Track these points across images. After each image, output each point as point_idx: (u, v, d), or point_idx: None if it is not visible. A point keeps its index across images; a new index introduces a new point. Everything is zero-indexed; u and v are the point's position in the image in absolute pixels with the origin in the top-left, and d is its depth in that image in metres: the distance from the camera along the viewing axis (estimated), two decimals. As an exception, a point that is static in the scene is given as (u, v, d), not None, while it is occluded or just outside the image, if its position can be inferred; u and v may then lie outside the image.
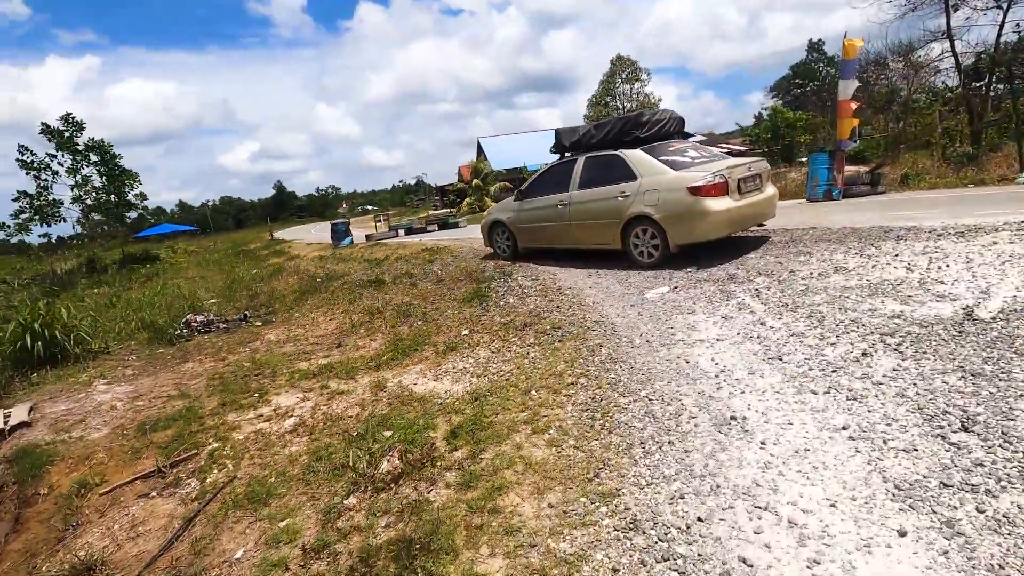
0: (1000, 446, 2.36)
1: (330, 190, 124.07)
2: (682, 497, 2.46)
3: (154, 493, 3.67)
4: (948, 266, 4.47)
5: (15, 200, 24.75)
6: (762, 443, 2.73)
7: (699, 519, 2.33)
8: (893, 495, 2.24)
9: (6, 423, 5.44)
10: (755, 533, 2.20)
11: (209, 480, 3.67)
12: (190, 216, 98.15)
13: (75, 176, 25.77)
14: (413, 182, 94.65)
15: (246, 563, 2.97)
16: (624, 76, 45.12)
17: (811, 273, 5.04)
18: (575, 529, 2.43)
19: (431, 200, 56.34)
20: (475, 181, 30.27)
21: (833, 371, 3.29)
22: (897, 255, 5.02)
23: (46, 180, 25.01)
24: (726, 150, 30.11)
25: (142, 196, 28.80)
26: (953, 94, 21.04)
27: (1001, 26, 17.43)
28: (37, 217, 24.96)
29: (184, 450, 4.21)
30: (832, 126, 18.01)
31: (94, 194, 26.42)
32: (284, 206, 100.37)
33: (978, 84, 20.76)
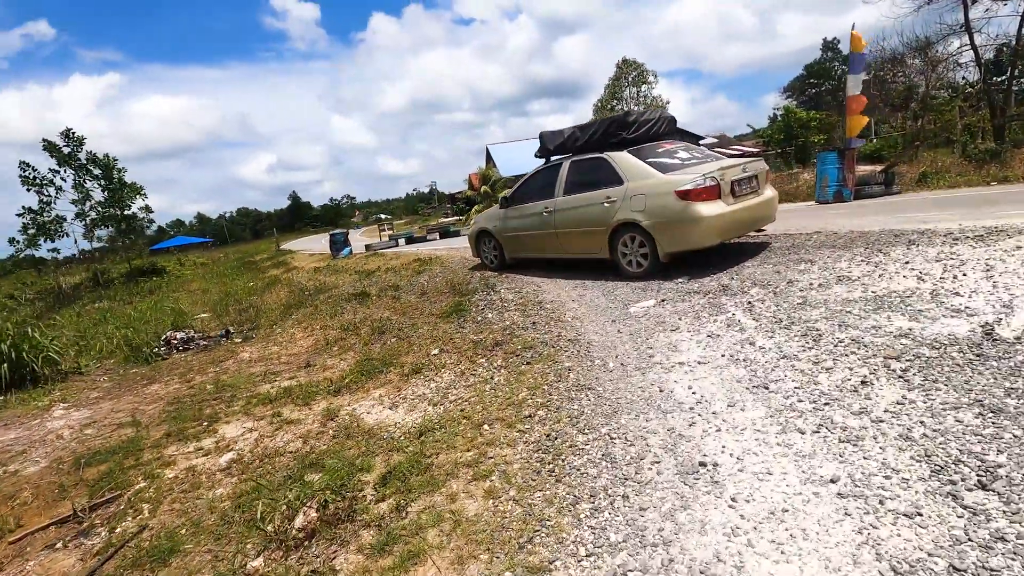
0: (1028, 512, 1.85)
1: (345, 200, 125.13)
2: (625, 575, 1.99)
3: (60, 544, 3.28)
4: (965, 275, 3.93)
5: (19, 216, 25.03)
6: (732, 499, 2.24)
7: (645, 605, 1.85)
8: (889, 579, 1.75)
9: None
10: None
11: (119, 530, 3.27)
12: (208, 228, 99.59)
13: (78, 191, 25.93)
14: (427, 190, 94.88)
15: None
16: (631, 79, 44.32)
17: (811, 284, 4.53)
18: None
19: (442, 208, 56.13)
20: (484, 188, 29.86)
21: (826, 404, 2.79)
22: (907, 262, 4.48)
23: (49, 196, 25.21)
24: (738, 152, 29.44)
25: (147, 209, 28.88)
26: (973, 89, 20.21)
27: (1023, 17, 16.63)
28: (41, 233, 25.12)
29: (110, 490, 3.83)
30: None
31: (98, 208, 26.56)
32: (299, 216, 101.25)
33: (999, 78, 19.94)
